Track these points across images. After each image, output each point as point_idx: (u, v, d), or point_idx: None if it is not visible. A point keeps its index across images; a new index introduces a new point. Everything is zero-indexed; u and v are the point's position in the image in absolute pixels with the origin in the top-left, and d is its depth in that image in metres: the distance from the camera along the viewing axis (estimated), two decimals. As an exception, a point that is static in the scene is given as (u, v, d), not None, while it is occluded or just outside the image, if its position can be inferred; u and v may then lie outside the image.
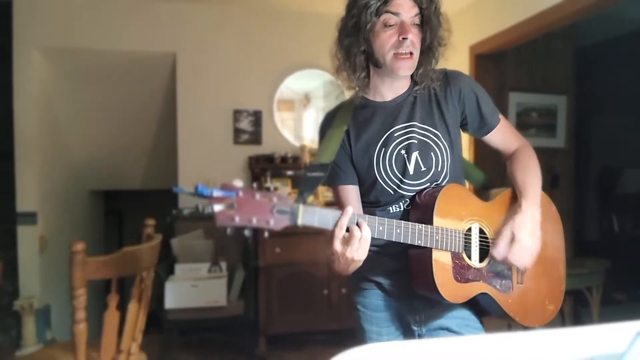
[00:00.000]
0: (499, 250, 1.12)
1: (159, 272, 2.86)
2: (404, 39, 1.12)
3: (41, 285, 3.32)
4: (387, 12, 1.12)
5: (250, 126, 3.71)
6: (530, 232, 1.12)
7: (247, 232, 0.91)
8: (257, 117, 3.72)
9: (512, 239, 1.12)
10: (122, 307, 1.63)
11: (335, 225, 1.00)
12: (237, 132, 3.70)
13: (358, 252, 1.02)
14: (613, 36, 3.92)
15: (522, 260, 1.12)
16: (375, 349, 0.66)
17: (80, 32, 3.44)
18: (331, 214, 1.01)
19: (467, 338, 0.77)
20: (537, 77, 3.55)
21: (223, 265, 3.10)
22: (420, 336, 1.23)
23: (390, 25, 1.13)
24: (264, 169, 3.51)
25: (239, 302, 3.07)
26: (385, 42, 1.14)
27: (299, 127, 3.92)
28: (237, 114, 3.69)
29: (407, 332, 1.26)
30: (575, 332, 0.71)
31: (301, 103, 3.92)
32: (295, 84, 3.83)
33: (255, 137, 3.72)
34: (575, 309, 3.42)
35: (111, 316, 1.59)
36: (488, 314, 1.24)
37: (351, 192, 1.25)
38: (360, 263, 1.07)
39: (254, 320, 3.16)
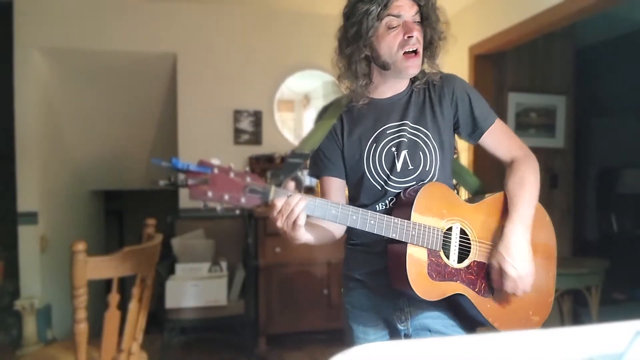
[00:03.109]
0: (499, 285, 1.17)
1: (159, 271, 2.86)
2: (409, 37, 1.14)
3: (42, 284, 3.32)
4: (388, 15, 1.14)
5: (250, 126, 3.71)
6: (514, 262, 1.13)
7: (218, 208, 0.95)
8: (257, 118, 3.72)
9: (501, 272, 1.15)
10: (123, 307, 1.64)
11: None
12: (238, 132, 3.70)
13: (287, 223, 1.02)
14: (613, 36, 3.93)
15: (517, 290, 1.15)
16: (374, 349, 0.66)
17: (81, 32, 3.44)
18: (300, 196, 1.02)
19: (466, 338, 0.78)
20: (537, 78, 3.55)
21: (223, 265, 3.10)
22: (407, 335, 1.23)
23: (394, 27, 1.15)
24: (264, 169, 3.51)
25: (239, 302, 3.08)
26: (391, 43, 1.16)
27: (299, 128, 3.92)
28: (237, 114, 3.70)
29: (393, 332, 1.26)
30: (574, 332, 0.71)
31: (301, 103, 3.93)
32: (296, 84, 3.84)
33: (256, 138, 3.73)
34: (575, 309, 3.42)
35: (112, 316, 1.59)
36: (467, 317, 1.22)
37: (334, 184, 1.27)
38: (295, 237, 1.06)
39: (254, 319, 3.16)
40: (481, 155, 3.13)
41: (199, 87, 3.64)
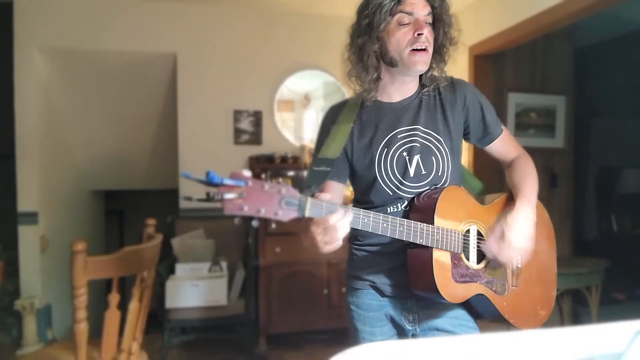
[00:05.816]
0: (489, 248, 1.15)
1: (159, 271, 2.86)
2: (419, 34, 1.15)
3: (42, 284, 3.32)
4: (401, 11, 1.15)
5: (250, 126, 3.72)
6: (519, 232, 1.14)
7: (254, 223, 0.91)
8: (257, 118, 3.72)
9: (502, 237, 1.14)
10: (123, 307, 1.63)
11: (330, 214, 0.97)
12: (238, 132, 3.70)
13: (326, 241, 1.00)
14: (613, 36, 3.93)
15: (510, 258, 1.15)
16: (374, 348, 0.66)
17: (81, 32, 3.44)
18: (342, 212, 0.99)
19: (466, 337, 0.78)
20: (537, 78, 3.56)
21: (223, 264, 3.10)
22: (414, 336, 1.24)
23: (405, 24, 1.16)
24: (264, 169, 3.52)
25: (239, 302, 3.08)
26: (400, 39, 1.16)
27: (299, 128, 3.92)
28: (237, 114, 3.70)
29: (401, 332, 1.26)
30: (574, 332, 0.71)
31: (301, 103, 3.93)
32: (296, 84, 3.84)
33: (256, 138, 3.73)
34: (574, 309, 3.43)
35: (112, 315, 1.59)
36: (482, 315, 1.25)
37: (335, 188, 1.27)
38: (330, 249, 1.03)
39: (254, 319, 3.16)
40: (480, 156, 3.14)
41: (199, 87, 3.64)
